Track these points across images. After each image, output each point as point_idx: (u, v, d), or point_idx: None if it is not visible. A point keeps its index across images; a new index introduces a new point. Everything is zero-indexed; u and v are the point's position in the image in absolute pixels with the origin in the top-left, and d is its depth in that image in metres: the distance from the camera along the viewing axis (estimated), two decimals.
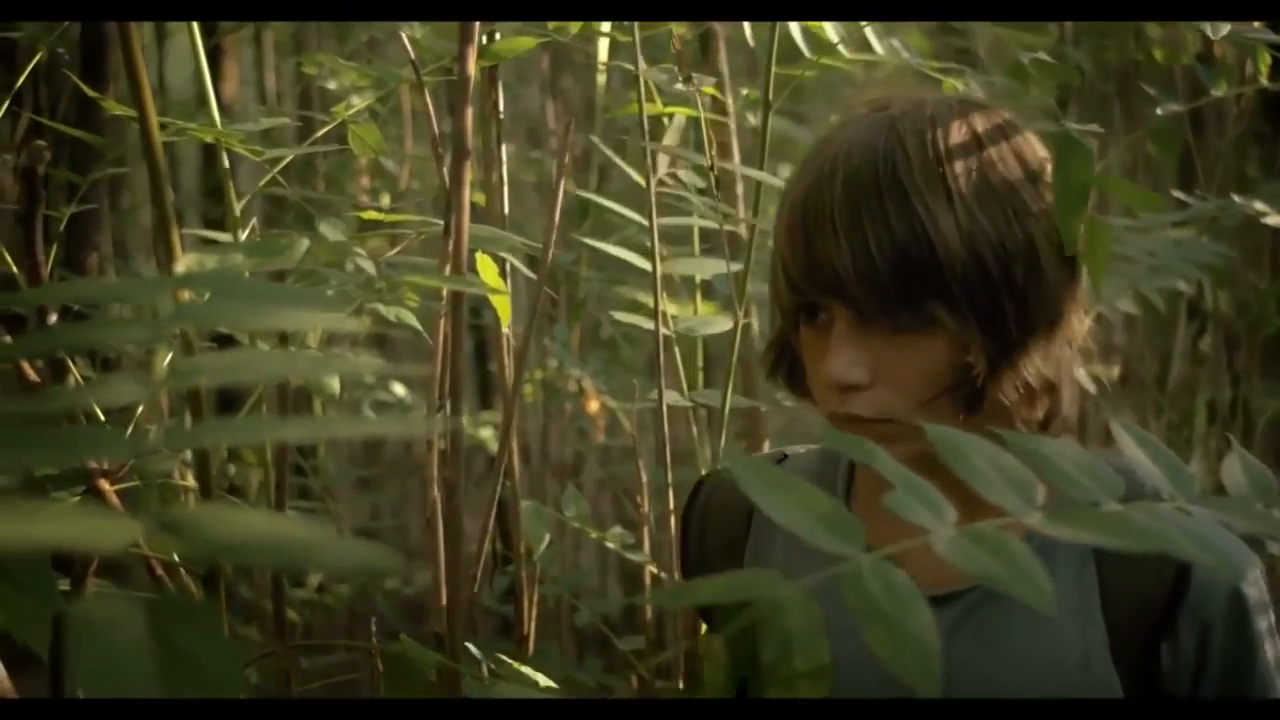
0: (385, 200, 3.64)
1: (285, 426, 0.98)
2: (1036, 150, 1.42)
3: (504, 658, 1.71)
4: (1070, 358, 1.42)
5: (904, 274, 1.32)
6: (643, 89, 1.78)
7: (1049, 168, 1.41)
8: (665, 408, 1.99)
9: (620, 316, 2.26)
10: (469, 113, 1.23)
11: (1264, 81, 2.31)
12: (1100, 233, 1.39)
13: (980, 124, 1.41)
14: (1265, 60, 2.29)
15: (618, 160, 2.05)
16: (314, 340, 1.59)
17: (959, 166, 1.37)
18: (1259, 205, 2.24)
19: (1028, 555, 0.83)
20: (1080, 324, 1.43)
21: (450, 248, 1.26)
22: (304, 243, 1.16)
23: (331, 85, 2.81)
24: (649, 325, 2.14)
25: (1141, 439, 1.03)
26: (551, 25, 2.08)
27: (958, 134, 1.39)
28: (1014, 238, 1.35)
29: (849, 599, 0.81)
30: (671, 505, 2.13)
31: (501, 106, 2.01)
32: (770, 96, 1.91)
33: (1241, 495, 1.00)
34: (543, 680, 1.59)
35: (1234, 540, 1.06)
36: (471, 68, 1.22)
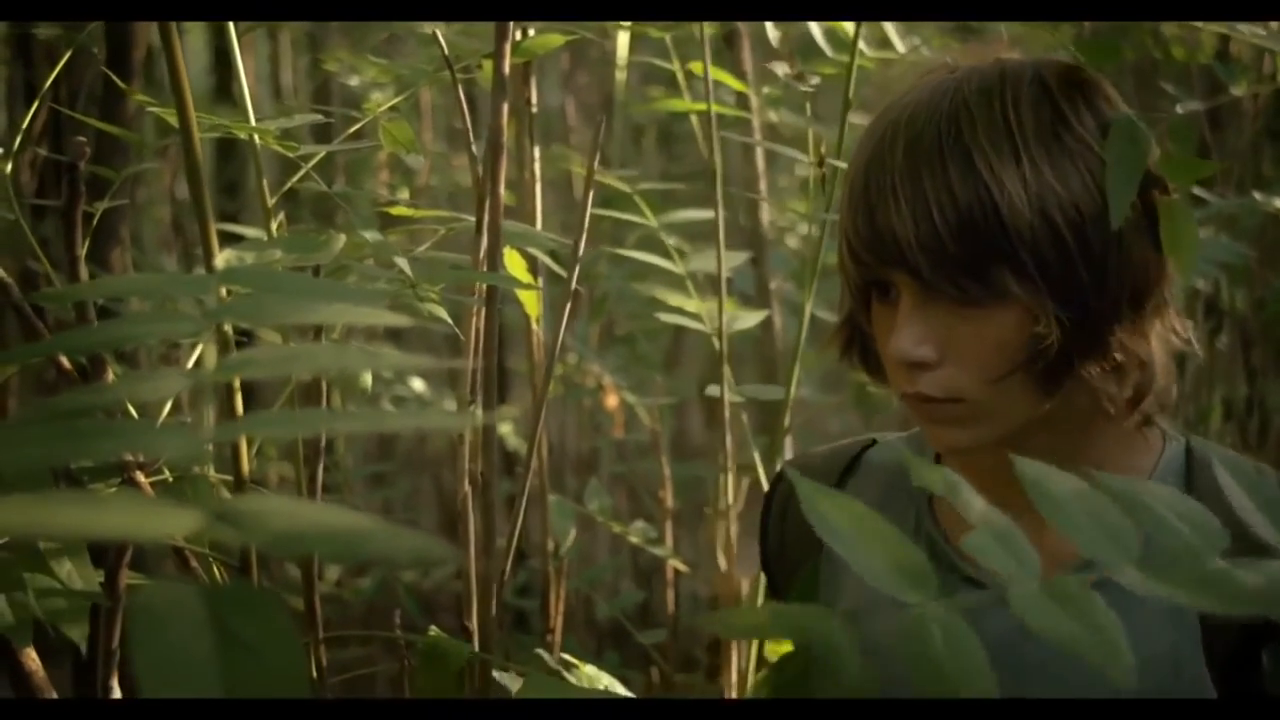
0: (404, 195, 3.65)
1: (325, 419, 1.00)
2: (1118, 109, 1.32)
3: (562, 655, 1.71)
4: (1162, 331, 1.32)
5: (969, 240, 1.25)
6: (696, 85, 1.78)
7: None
8: (726, 404, 1.99)
9: (665, 317, 2.26)
10: (505, 109, 1.24)
11: None
12: (1178, 215, 1.30)
13: (1054, 81, 1.31)
14: None
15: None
16: (334, 333, 1.60)
17: (1028, 124, 1.27)
18: (1279, 204, 2.25)
19: (1111, 621, 0.77)
20: (1170, 296, 1.33)
21: (485, 243, 1.27)
22: (340, 238, 1.17)
23: (352, 81, 2.82)
24: (696, 325, 2.16)
25: (1245, 478, 0.92)
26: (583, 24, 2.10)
27: (1028, 91, 1.29)
28: (1089, 200, 1.26)
29: (906, 650, 0.76)
30: (736, 500, 2.14)
31: (535, 102, 2.03)
32: (851, 94, 1.90)
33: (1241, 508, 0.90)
34: (592, 679, 1.60)
35: None
36: (507, 66, 1.23)
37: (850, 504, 0.84)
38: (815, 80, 1.98)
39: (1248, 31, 1.67)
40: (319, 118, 1.52)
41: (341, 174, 3.88)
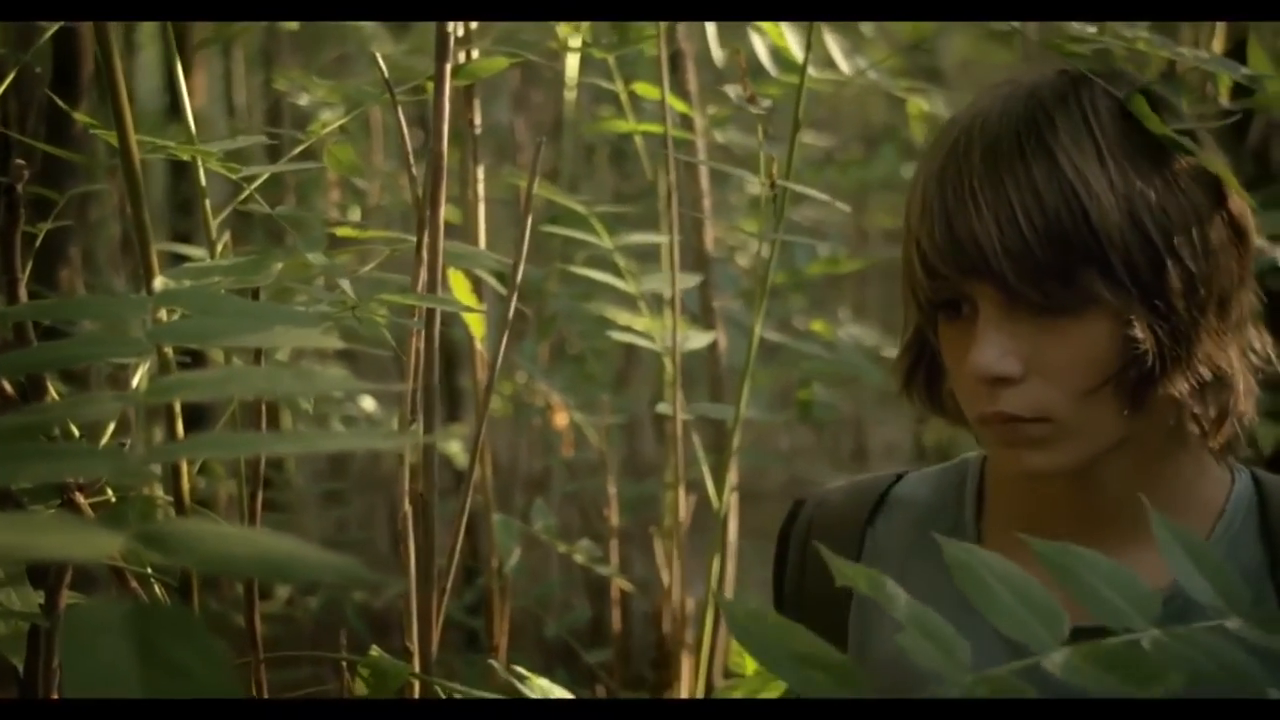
0: (355, 215, 3.65)
1: (264, 441, 1.00)
2: (1181, 116, 1.28)
3: (515, 668, 1.71)
4: (1244, 346, 1.28)
5: (1057, 244, 1.20)
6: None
7: (1201, 133, 1.27)
8: (679, 422, 1.99)
9: (617, 336, 2.27)
10: (445, 132, 1.25)
11: (1224, 102, 2.34)
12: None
13: (1133, 81, 1.28)
14: (1225, 82, 2.32)
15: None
16: (284, 356, 1.61)
17: (1109, 125, 1.23)
18: None
19: (1155, 670, 0.77)
20: (1252, 306, 1.29)
21: (424, 265, 1.28)
22: (278, 261, 1.18)
23: (302, 101, 2.83)
24: (645, 344, 2.17)
25: (1188, 545, 0.90)
26: (526, 42, 2.11)
27: (1103, 95, 1.25)
28: (1175, 203, 1.22)
29: None
30: (685, 518, 2.15)
31: (478, 123, 2.03)
32: (800, 115, 1.90)
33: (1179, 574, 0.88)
34: (545, 691, 1.60)
35: None
36: (448, 87, 1.23)
37: (780, 625, 0.81)
38: (766, 102, 1.99)
39: (1190, 55, 1.69)
40: (262, 139, 1.53)
41: (292, 194, 3.88)
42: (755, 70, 2.23)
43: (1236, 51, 2.61)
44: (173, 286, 1.16)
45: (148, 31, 4.90)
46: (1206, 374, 1.24)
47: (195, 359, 1.71)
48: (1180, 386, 1.23)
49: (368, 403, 3.45)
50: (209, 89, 5.03)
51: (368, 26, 2.97)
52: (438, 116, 1.23)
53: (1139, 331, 1.21)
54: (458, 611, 3.45)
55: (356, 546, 4.72)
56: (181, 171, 4.63)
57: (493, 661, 1.79)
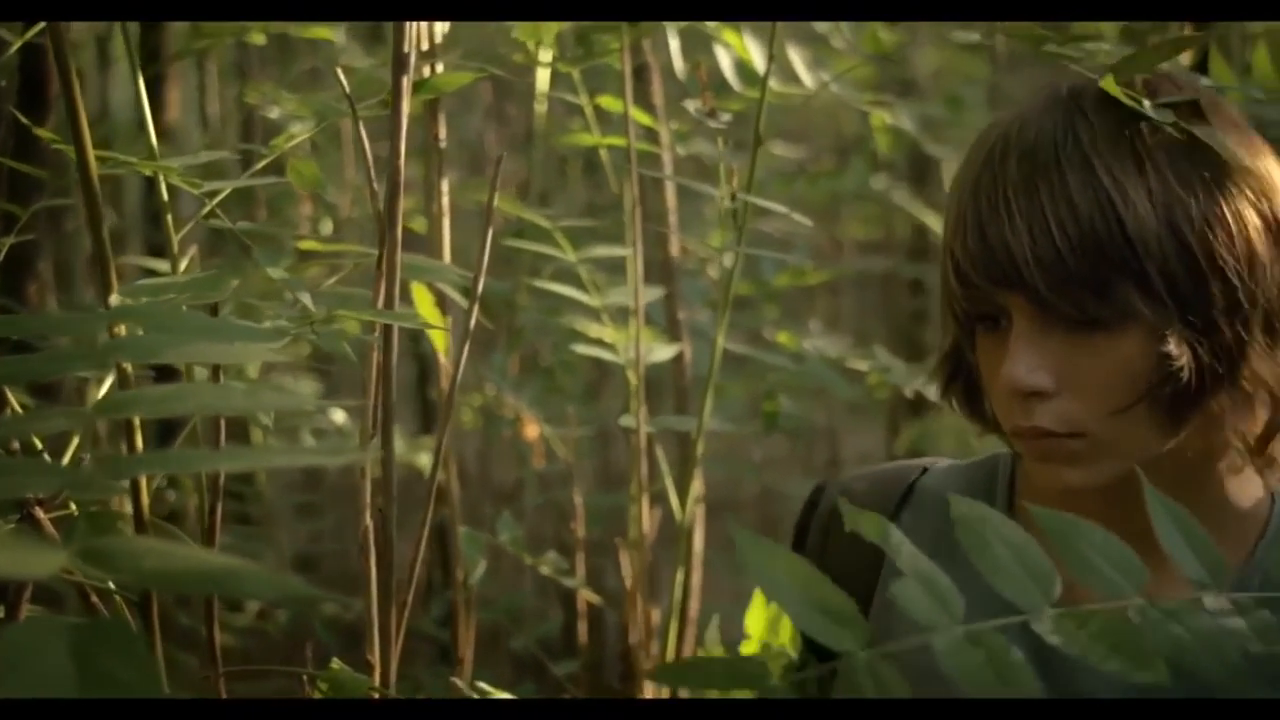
0: (327, 228, 3.66)
1: (217, 457, 1.01)
2: (1234, 120, 1.25)
3: (477, 684, 1.72)
4: None
5: (1091, 255, 1.16)
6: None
7: (1253, 140, 1.24)
8: (642, 435, 2.00)
9: (581, 349, 2.28)
10: (402, 149, 1.26)
11: None
12: None
13: (1171, 92, 1.23)
14: None
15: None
16: (254, 369, 1.62)
17: (1150, 131, 1.19)
18: None
19: (1025, 671, 0.77)
20: None
21: (383, 282, 1.28)
22: (234, 278, 1.18)
23: (273, 114, 2.84)
24: (609, 356, 2.17)
25: (1177, 519, 0.92)
26: (495, 56, 2.12)
27: (1146, 99, 1.20)
28: (1217, 213, 1.17)
29: (841, 695, 0.76)
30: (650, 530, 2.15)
31: (443, 137, 2.04)
32: (760, 129, 1.91)
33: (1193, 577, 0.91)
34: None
35: None
36: (405, 103, 1.24)
37: (782, 554, 0.83)
38: (727, 117, 2.00)
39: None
40: (228, 153, 1.53)
41: (263, 207, 3.88)
42: (720, 84, 2.24)
43: (1203, 62, 2.62)
44: (129, 302, 1.16)
45: (122, 44, 4.90)
46: (1251, 390, 1.20)
47: (163, 374, 1.71)
48: (1222, 403, 1.20)
49: (339, 416, 3.45)
50: (183, 102, 5.03)
51: (339, 39, 2.97)
52: (395, 130, 1.24)
53: (1174, 348, 1.17)
54: (429, 625, 3.46)
55: (330, 559, 4.72)
56: (155, 184, 4.62)
57: (455, 680, 1.79)
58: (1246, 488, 1.30)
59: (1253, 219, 1.19)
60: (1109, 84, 1.22)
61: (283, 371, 3.74)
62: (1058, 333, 1.20)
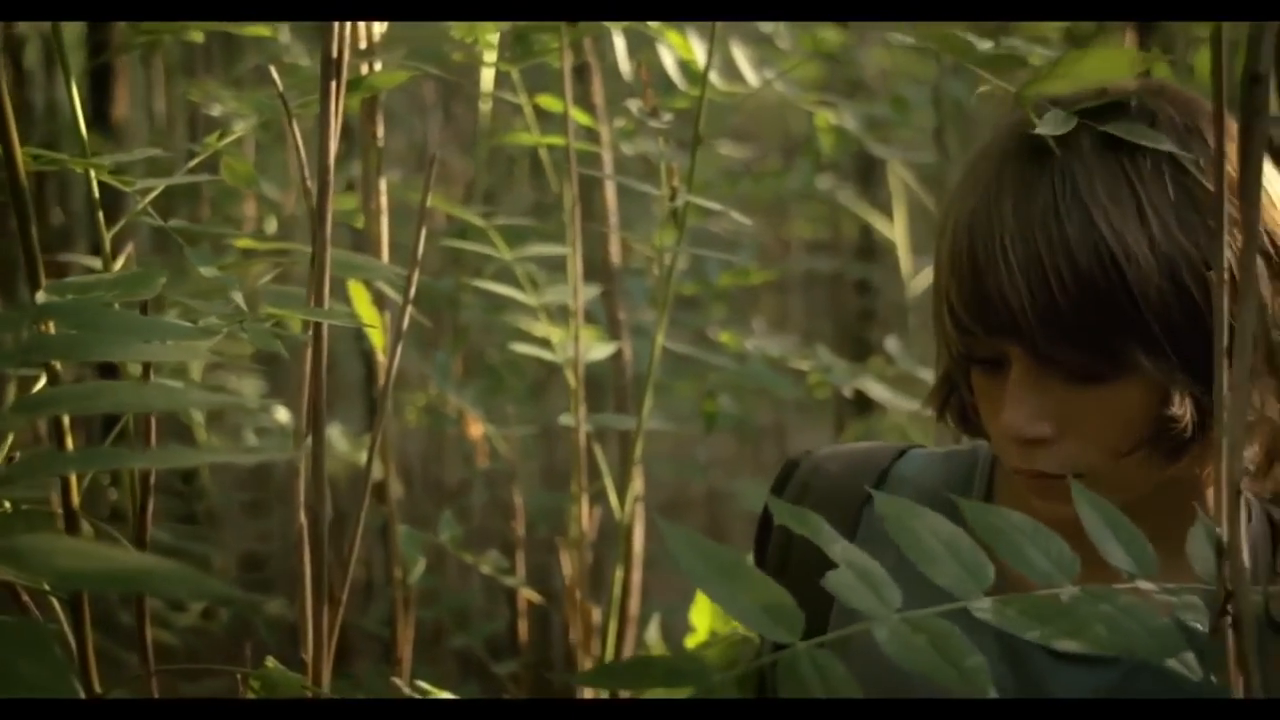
0: (272, 226, 3.65)
1: (144, 455, 1.01)
2: (1234, 135, 1.14)
3: (416, 682, 1.72)
4: None
5: (1091, 308, 1.12)
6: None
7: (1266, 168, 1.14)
8: (582, 434, 2.00)
9: (520, 348, 2.28)
10: (331, 147, 1.26)
11: None
12: None
13: (1175, 117, 1.17)
14: None
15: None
16: (197, 369, 1.61)
17: (1149, 171, 1.14)
18: None
19: (973, 655, 0.78)
20: None
21: (313, 279, 1.28)
22: (163, 275, 1.18)
23: (215, 112, 2.83)
24: (548, 356, 2.18)
25: (1101, 509, 0.93)
26: (438, 55, 2.12)
27: (1144, 129, 1.15)
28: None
29: (783, 688, 0.76)
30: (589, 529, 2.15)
31: (381, 135, 2.04)
32: (701, 128, 1.91)
33: (1204, 572, 0.91)
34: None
35: None
36: (333, 102, 1.24)
37: (730, 558, 0.83)
38: (669, 116, 2.01)
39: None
40: (158, 152, 1.52)
41: (207, 205, 3.87)
42: (665, 83, 2.25)
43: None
44: (56, 299, 1.16)
45: (70, 40, 4.88)
46: (1253, 421, 1.17)
47: (107, 372, 1.70)
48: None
49: (282, 414, 3.44)
50: (132, 98, 5.00)
51: (283, 37, 2.96)
52: (323, 129, 1.24)
53: (1176, 399, 1.14)
54: (373, 623, 3.45)
55: (278, 557, 4.70)
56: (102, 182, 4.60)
57: (396, 680, 1.79)
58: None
59: (1258, 260, 1.15)
60: (1026, 103, 1.17)
61: (227, 371, 3.73)
62: (1057, 381, 1.17)
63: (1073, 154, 1.15)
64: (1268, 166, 1.20)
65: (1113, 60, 1.18)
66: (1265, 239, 1.17)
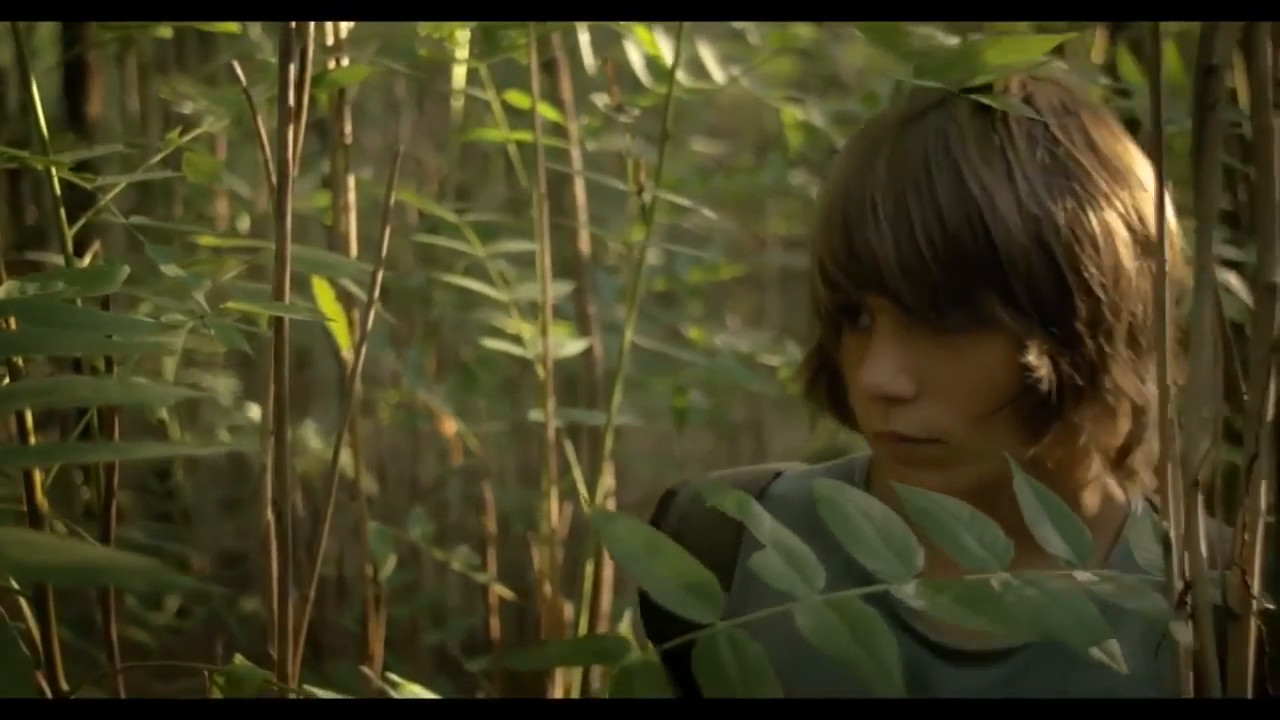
0: (245, 223, 3.64)
1: (96, 450, 1.01)
2: (1113, 129, 1.22)
3: (388, 675, 1.72)
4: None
5: (956, 265, 1.15)
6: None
7: (1130, 150, 1.21)
8: (551, 429, 2.01)
9: (490, 344, 2.29)
10: (290, 143, 1.26)
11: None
12: None
13: (1050, 97, 1.21)
14: (1095, 91, 2.36)
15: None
16: (170, 365, 1.61)
17: (1022, 140, 1.17)
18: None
19: (888, 642, 0.78)
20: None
21: (275, 274, 1.29)
22: (124, 269, 1.18)
23: (186, 109, 2.82)
24: (518, 351, 2.18)
25: (1043, 498, 0.94)
26: (407, 51, 2.12)
27: (1022, 105, 1.19)
28: (1085, 226, 1.15)
29: (699, 669, 0.77)
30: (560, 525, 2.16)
31: (349, 132, 2.04)
32: (669, 124, 1.91)
33: (1149, 564, 0.94)
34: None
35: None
36: (290, 96, 1.24)
37: (657, 540, 0.83)
38: (636, 112, 2.01)
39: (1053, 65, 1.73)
40: (119, 148, 1.52)
41: (179, 203, 3.86)
42: (633, 79, 2.25)
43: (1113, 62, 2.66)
44: (15, 295, 1.16)
45: (45, 37, 4.87)
46: (1114, 402, 1.19)
47: (79, 368, 1.70)
48: (1084, 416, 1.18)
49: (255, 412, 3.43)
50: (107, 94, 4.99)
51: (253, 34, 2.96)
52: (282, 125, 1.24)
53: (1035, 359, 1.15)
54: (349, 620, 3.45)
55: (255, 555, 4.69)
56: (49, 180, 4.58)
57: (365, 669, 1.79)
58: (1103, 497, 1.29)
59: (1121, 232, 1.18)
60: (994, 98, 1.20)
61: (201, 369, 3.73)
62: (920, 338, 1.19)
63: (948, 119, 1.19)
64: (1134, 150, 1.24)
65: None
66: (1133, 216, 1.19)
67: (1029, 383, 1.16)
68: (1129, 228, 1.18)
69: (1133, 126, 3.33)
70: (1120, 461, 1.23)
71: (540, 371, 2.02)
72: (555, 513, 2.08)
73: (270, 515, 1.45)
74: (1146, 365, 1.20)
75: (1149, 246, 1.19)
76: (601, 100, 1.96)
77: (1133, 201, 1.20)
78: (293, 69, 1.24)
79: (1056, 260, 1.15)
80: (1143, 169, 1.23)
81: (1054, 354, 1.16)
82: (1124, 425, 1.21)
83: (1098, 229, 1.16)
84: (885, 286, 1.17)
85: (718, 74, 2.21)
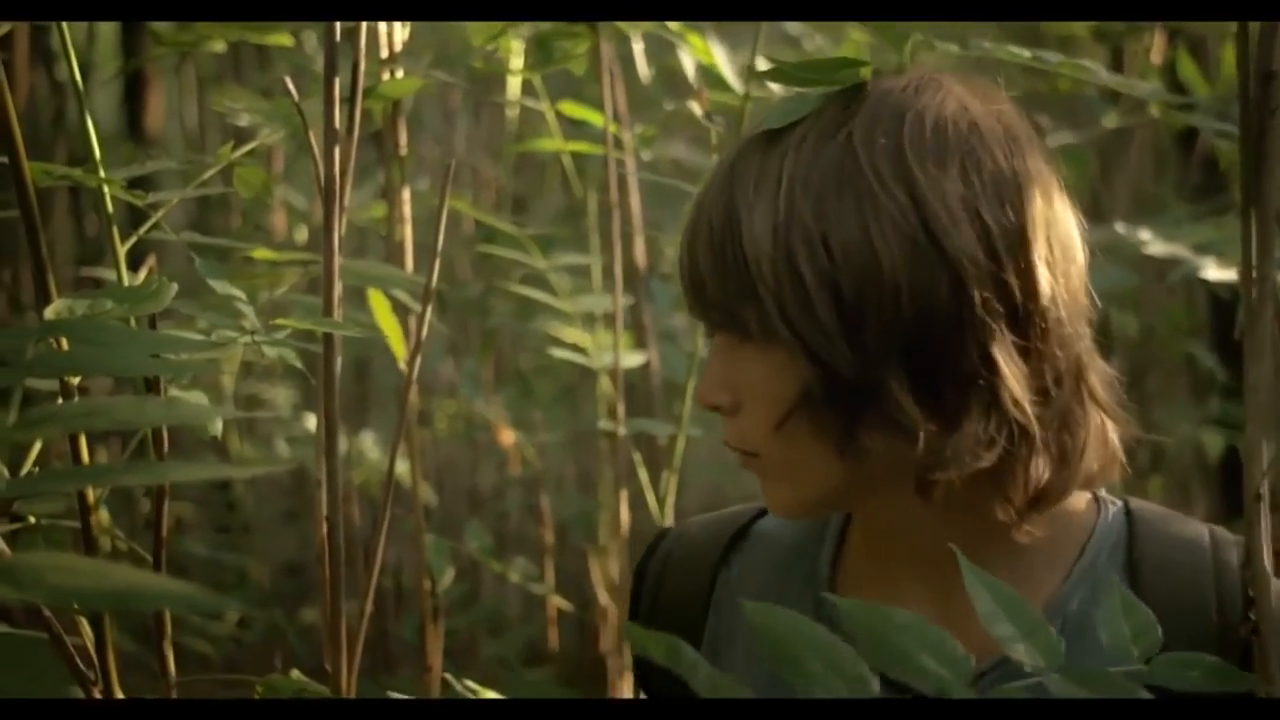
0: (303, 235, 3.65)
1: (143, 471, 1.00)
2: (952, 122, 1.16)
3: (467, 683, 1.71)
4: (985, 399, 1.13)
5: (718, 276, 1.16)
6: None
7: (955, 133, 1.15)
8: (620, 439, 2.00)
9: (556, 353, 2.28)
10: (337, 156, 1.25)
11: (1155, 113, 2.35)
12: None
13: (879, 111, 1.16)
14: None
15: None
16: (230, 380, 1.61)
17: (812, 155, 1.15)
18: (1143, 234, 2.28)
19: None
20: (1007, 362, 1.13)
21: (324, 288, 1.28)
22: (172, 287, 1.17)
23: (242, 121, 2.82)
24: (584, 361, 2.18)
25: (998, 594, 0.92)
26: (463, 63, 2.12)
27: (833, 113, 1.16)
28: (859, 248, 1.11)
29: None
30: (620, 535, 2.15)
31: (404, 143, 2.04)
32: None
33: (1116, 650, 0.94)
34: None
35: None
36: (337, 116, 1.24)
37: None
38: (720, 119, 2.02)
39: (1107, 77, 1.71)
40: (171, 164, 1.52)
41: (238, 215, 3.87)
42: (684, 87, 2.24)
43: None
44: (64, 314, 1.15)
45: (103, 50, 4.90)
46: (908, 425, 1.13)
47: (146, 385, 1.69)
48: (873, 435, 1.15)
49: (313, 422, 3.44)
50: (167, 107, 5.02)
51: (308, 47, 2.96)
52: (328, 137, 1.23)
53: (804, 370, 1.14)
54: (409, 631, 3.45)
55: (315, 566, 4.70)
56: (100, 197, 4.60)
57: (448, 676, 1.79)
58: (1053, 514, 1.23)
59: (898, 249, 1.12)
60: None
61: (260, 379, 3.73)
62: (733, 350, 1.20)
63: (750, 138, 1.20)
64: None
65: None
66: (923, 236, 1.12)
67: (802, 394, 1.16)
68: (913, 243, 1.12)
69: (1189, 136, 3.29)
70: (1034, 510, 1.18)
71: (609, 382, 2.02)
72: (625, 521, 2.07)
73: (324, 530, 1.44)
74: (953, 390, 1.14)
75: (950, 260, 1.12)
76: (696, 107, 1.97)
77: (923, 217, 1.13)
78: (339, 83, 1.24)
79: (803, 277, 1.13)
80: (947, 183, 1.14)
81: (821, 368, 1.14)
82: (930, 445, 1.14)
83: (872, 254, 1.12)
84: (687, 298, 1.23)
85: (736, 84, 2.20)
